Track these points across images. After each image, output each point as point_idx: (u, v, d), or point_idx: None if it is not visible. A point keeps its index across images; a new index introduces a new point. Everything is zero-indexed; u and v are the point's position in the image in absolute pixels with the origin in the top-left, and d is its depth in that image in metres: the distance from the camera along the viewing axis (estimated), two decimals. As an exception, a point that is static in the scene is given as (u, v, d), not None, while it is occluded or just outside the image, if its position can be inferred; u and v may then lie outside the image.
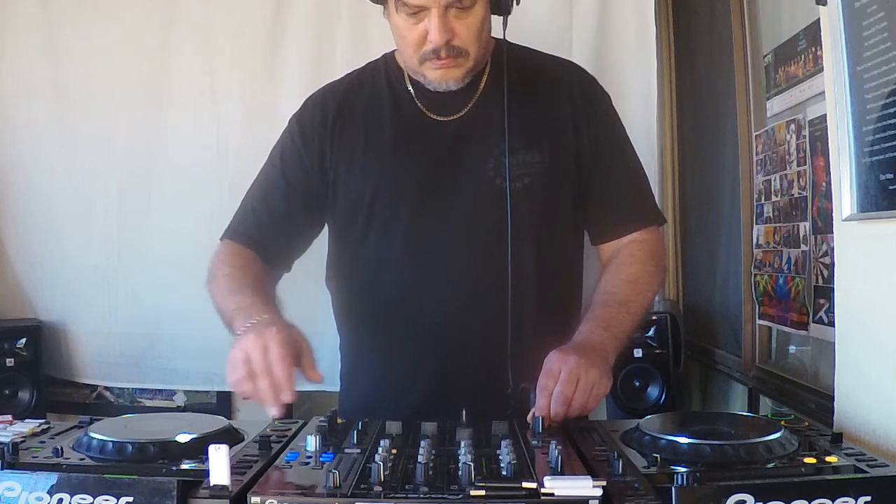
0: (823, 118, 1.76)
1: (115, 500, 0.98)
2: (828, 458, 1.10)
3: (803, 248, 1.96)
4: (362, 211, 1.59)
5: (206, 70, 2.55)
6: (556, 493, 0.95)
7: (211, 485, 0.98)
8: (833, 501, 0.96)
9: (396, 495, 0.97)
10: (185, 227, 2.56)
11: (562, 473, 1.03)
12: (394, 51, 1.67)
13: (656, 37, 2.46)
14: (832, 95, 1.44)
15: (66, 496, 0.99)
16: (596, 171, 1.62)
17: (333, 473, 0.98)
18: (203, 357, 2.58)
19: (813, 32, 1.82)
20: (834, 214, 1.48)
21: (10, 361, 2.50)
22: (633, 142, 1.70)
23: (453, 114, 1.59)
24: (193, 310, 2.53)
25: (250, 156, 2.33)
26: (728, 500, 0.95)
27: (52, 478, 1.01)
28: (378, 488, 0.98)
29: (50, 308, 2.65)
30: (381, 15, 1.54)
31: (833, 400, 1.49)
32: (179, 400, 2.75)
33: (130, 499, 0.98)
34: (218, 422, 1.31)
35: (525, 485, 0.96)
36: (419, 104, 1.60)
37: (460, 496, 0.96)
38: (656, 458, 1.12)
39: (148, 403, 2.77)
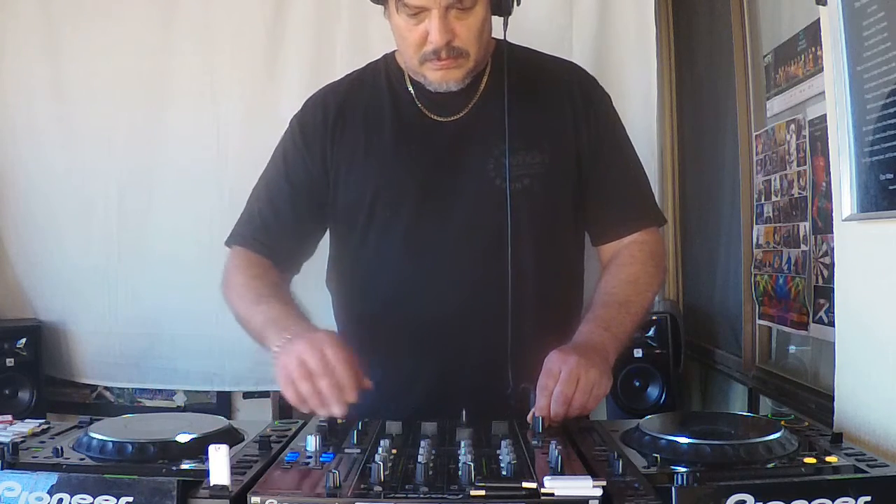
0: (823, 118, 1.76)
1: (115, 500, 0.98)
2: (828, 458, 1.10)
3: (803, 248, 1.96)
4: (362, 211, 1.59)
5: (206, 70, 2.56)
6: (556, 493, 0.95)
7: (211, 485, 0.98)
8: (833, 501, 0.96)
9: (396, 495, 0.97)
10: (185, 227, 2.56)
11: (562, 473, 1.03)
12: (394, 51, 1.67)
13: (656, 37, 2.46)
14: (832, 95, 1.44)
15: (66, 496, 0.99)
16: (596, 171, 1.62)
17: (333, 473, 0.98)
18: (203, 357, 2.58)
19: (813, 32, 1.82)
20: (834, 214, 1.48)
21: (10, 361, 2.50)
22: (633, 142, 1.70)
23: (453, 114, 1.59)
24: (193, 310, 2.55)
25: (250, 156, 2.35)
26: (728, 500, 0.95)
27: (52, 478, 1.01)
28: (378, 488, 0.98)
29: (50, 308, 2.65)
30: (382, 15, 1.54)
31: (833, 400, 1.49)
32: (179, 400, 2.75)
33: (130, 499, 0.98)
34: (218, 422, 1.31)
35: (525, 485, 0.96)
36: (419, 105, 1.60)
37: (460, 496, 0.96)
38: (656, 458, 1.12)
39: (148, 403, 2.77)
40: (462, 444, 1.14)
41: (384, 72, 1.66)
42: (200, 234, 2.52)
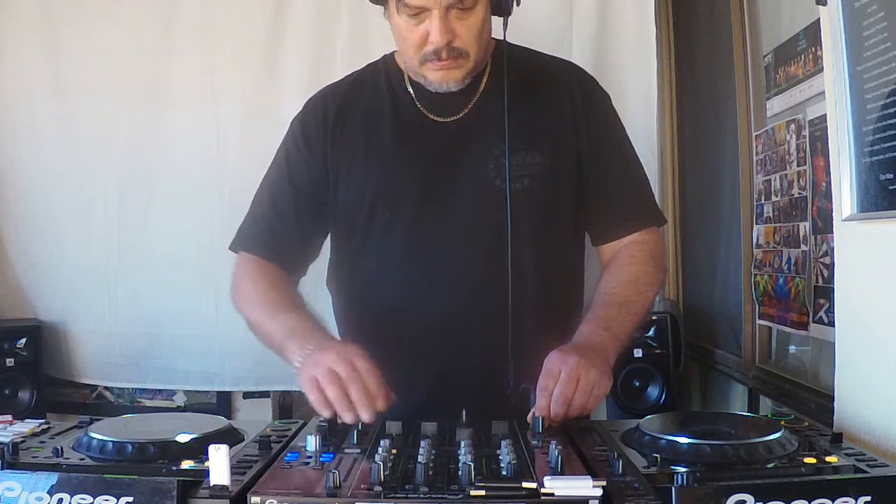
0: (823, 118, 1.76)
1: (115, 500, 0.98)
2: (828, 458, 1.10)
3: (803, 248, 1.96)
4: (363, 212, 1.59)
5: (206, 70, 2.56)
6: (556, 493, 0.95)
7: (211, 485, 0.98)
8: (833, 501, 0.96)
9: (396, 495, 0.97)
10: (185, 227, 2.56)
11: (562, 473, 1.03)
12: (393, 52, 1.67)
13: (656, 37, 2.46)
14: (832, 95, 1.44)
15: (66, 496, 0.99)
16: (596, 171, 1.62)
17: (333, 473, 0.98)
18: (203, 357, 2.58)
19: (813, 32, 1.82)
20: (834, 214, 1.48)
21: (10, 361, 2.50)
22: (633, 142, 1.70)
23: (453, 115, 1.59)
24: (193, 310, 2.56)
25: (250, 156, 2.36)
26: (728, 500, 0.95)
27: (52, 478, 1.01)
28: (378, 488, 0.98)
29: (50, 308, 2.65)
30: (382, 16, 1.54)
31: (833, 400, 1.49)
32: (179, 400, 2.75)
33: (130, 499, 0.98)
34: (218, 422, 1.31)
35: (525, 485, 0.96)
36: (419, 105, 1.60)
37: (460, 496, 0.96)
38: (656, 458, 1.12)
39: (148, 403, 2.77)
40: (462, 444, 1.14)
41: (384, 72, 1.66)
42: (200, 234, 2.53)
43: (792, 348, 2.17)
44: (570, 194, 1.62)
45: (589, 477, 0.96)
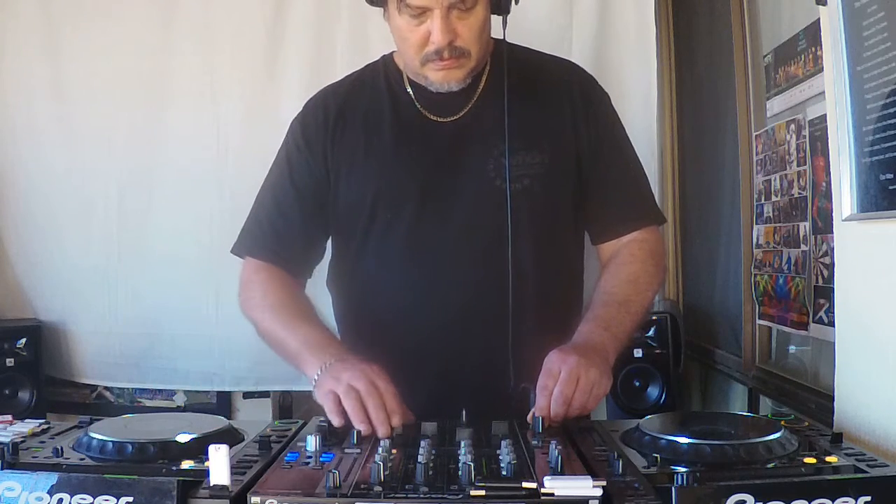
0: (823, 118, 1.76)
1: (115, 500, 0.98)
2: (828, 458, 1.10)
3: (803, 248, 1.96)
4: (363, 213, 1.59)
5: (206, 70, 2.55)
6: (556, 493, 0.95)
7: (211, 485, 0.98)
8: (833, 501, 0.96)
9: (396, 495, 0.97)
10: (186, 227, 2.56)
11: (562, 473, 1.03)
12: (392, 52, 1.67)
13: (656, 37, 2.46)
14: (832, 95, 1.44)
15: (66, 496, 0.99)
16: (595, 170, 1.62)
17: (333, 473, 0.98)
18: (203, 357, 2.58)
19: (813, 32, 1.82)
20: (834, 214, 1.48)
21: (10, 361, 2.50)
22: (633, 142, 1.70)
23: (453, 115, 1.59)
24: (193, 310, 2.56)
25: (250, 156, 2.36)
26: (728, 500, 0.95)
27: (52, 478, 1.01)
28: (378, 488, 0.98)
29: (50, 308, 2.65)
30: (381, 16, 1.54)
31: (833, 400, 1.49)
32: (179, 400, 2.75)
33: (130, 499, 0.98)
34: (218, 422, 1.31)
35: (525, 485, 0.96)
36: (418, 105, 1.60)
37: (460, 496, 0.96)
38: (656, 458, 1.12)
39: (148, 403, 2.77)
40: (462, 444, 1.14)
41: (383, 73, 1.66)
42: (200, 234, 2.53)
43: (792, 348, 2.17)
44: (569, 194, 1.62)
45: (589, 477, 0.96)
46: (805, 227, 1.94)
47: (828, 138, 1.52)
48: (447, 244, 1.58)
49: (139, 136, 2.57)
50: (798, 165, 1.97)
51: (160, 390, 2.75)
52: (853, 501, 0.96)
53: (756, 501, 0.95)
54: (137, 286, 2.60)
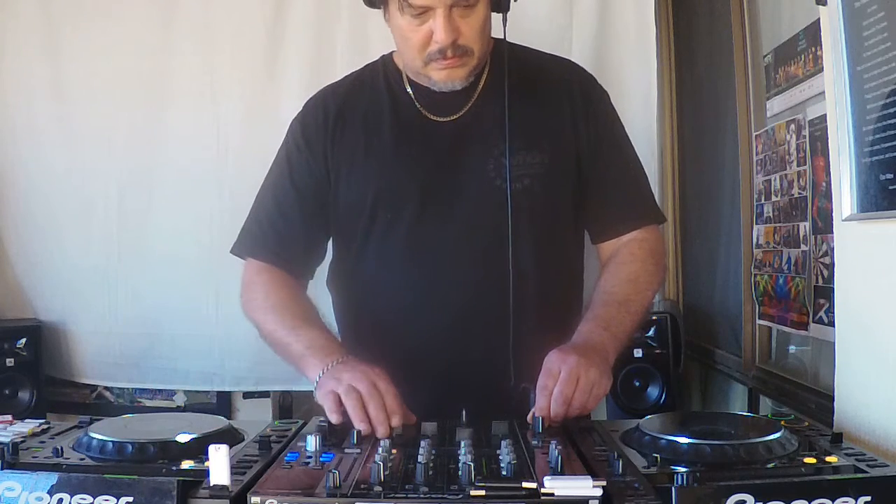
0: (823, 118, 1.76)
1: (115, 500, 0.98)
2: (828, 458, 1.10)
3: (803, 248, 1.96)
4: (364, 213, 1.59)
5: (206, 70, 2.55)
6: (556, 493, 0.95)
7: (211, 485, 0.98)
8: (833, 501, 0.96)
9: (396, 495, 0.97)
10: (186, 227, 2.56)
11: (562, 473, 1.03)
12: (392, 52, 1.67)
13: (656, 37, 2.46)
14: (832, 95, 1.44)
15: (66, 496, 0.99)
16: (595, 169, 1.62)
17: (333, 473, 0.98)
18: (203, 357, 2.58)
19: (813, 32, 1.82)
20: (834, 214, 1.48)
21: (10, 361, 2.50)
22: (633, 141, 1.70)
23: (452, 114, 1.59)
24: (193, 310, 2.56)
25: (250, 156, 2.36)
26: (728, 500, 0.95)
27: (52, 478, 1.01)
28: (378, 488, 0.98)
29: (50, 308, 2.65)
30: (381, 17, 1.54)
31: (833, 400, 1.49)
32: (179, 400, 2.75)
33: (130, 499, 0.98)
34: (218, 422, 1.31)
35: (525, 485, 0.96)
36: (418, 105, 1.60)
37: (460, 496, 0.96)
38: (656, 458, 1.12)
39: (148, 403, 2.77)
40: (462, 444, 1.14)
41: (382, 73, 1.66)
42: (200, 234, 2.53)
43: (792, 348, 2.17)
44: (569, 193, 1.62)
45: (589, 477, 0.96)
46: (805, 227, 1.94)
47: (828, 138, 1.52)
48: (447, 244, 1.58)
49: (139, 136, 2.57)
50: (798, 165, 1.97)
51: (160, 390, 2.75)
52: (853, 501, 0.96)
53: (756, 501, 0.95)
54: (137, 286, 2.60)
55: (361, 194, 1.59)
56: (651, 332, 2.50)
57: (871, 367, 1.37)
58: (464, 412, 1.29)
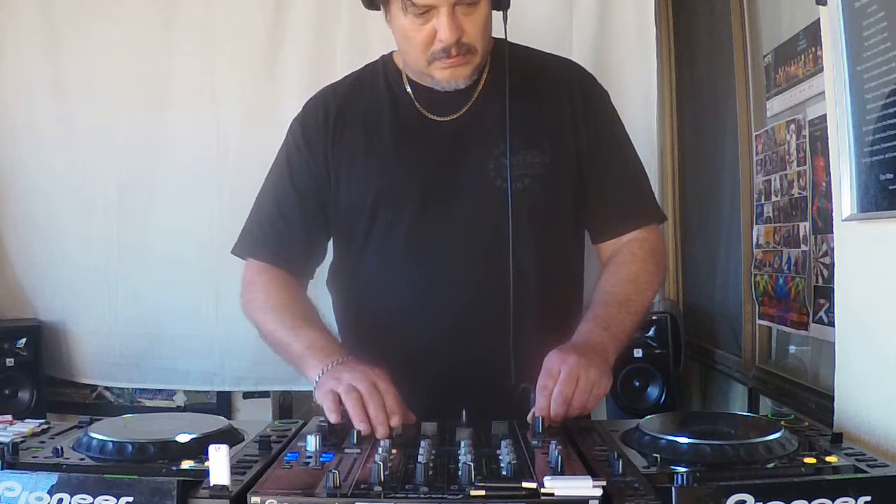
0: (823, 118, 1.76)
1: (115, 500, 0.98)
2: (828, 458, 1.10)
3: (803, 248, 1.96)
4: (364, 213, 1.59)
5: (206, 70, 2.55)
6: (556, 493, 0.95)
7: (211, 485, 0.98)
8: (833, 501, 0.96)
9: (396, 495, 0.97)
10: (186, 227, 2.56)
11: (562, 473, 1.03)
12: (392, 52, 1.67)
13: (656, 37, 2.46)
14: (832, 95, 1.44)
15: (66, 496, 0.99)
16: (595, 169, 1.62)
17: (333, 473, 0.98)
18: (203, 357, 2.58)
19: (813, 32, 1.82)
20: (834, 214, 1.48)
21: (10, 361, 2.50)
22: (633, 141, 1.70)
23: (452, 114, 1.59)
24: (193, 310, 2.56)
25: (250, 156, 2.36)
26: (728, 500, 0.95)
27: (52, 478, 1.01)
28: (378, 488, 0.98)
29: (50, 308, 2.65)
30: (381, 17, 1.54)
31: (833, 400, 1.49)
32: (179, 400, 2.75)
33: (130, 499, 0.98)
34: (218, 422, 1.31)
35: (525, 485, 0.96)
36: (418, 105, 1.60)
37: (460, 496, 0.96)
38: (656, 458, 1.12)
39: (148, 403, 2.77)
40: (462, 444, 1.14)
41: (382, 73, 1.66)
42: (200, 234, 2.53)
43: (792, 348, 2.17)
44: (570, 193, 1.62)
45: (589, 477, 0.96)
46: (805, 227, 1.94)
47: (828, 138, 1.52)
48: (447, 244, 1.58)
49: (139, 136, 2.57)
50: (798, 165, 1.97)
51: (160, 390, 2.75)
52: (853, 501, 0.96)
53: (756, 501, 0.95)
54: (137, 286, 2.60)
55: (361, 194, 1.59)
56: (651, 332, 2.50)
57: (871, 367, 1.37)
58: (464, 412, 1.29)
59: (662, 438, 1.17)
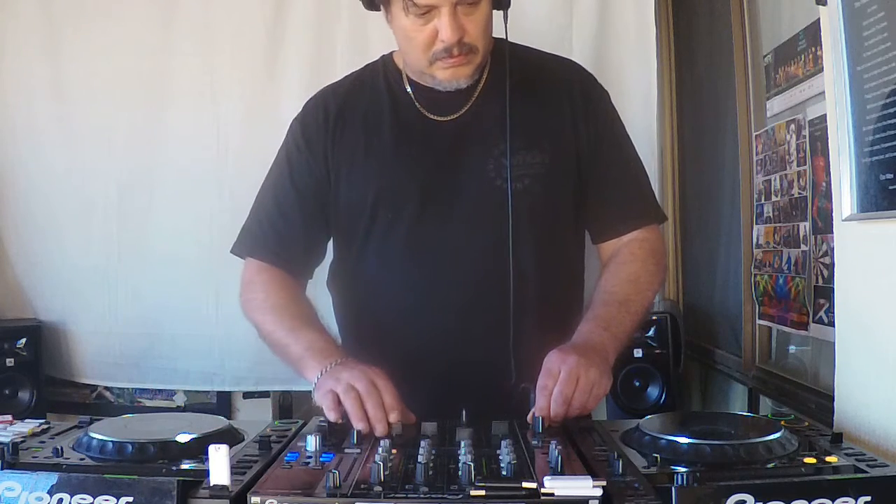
0: (823, 118, 1.76)
1: (115, 500, 0.98)
2: (828, 458, 1.10)
3: (803, 248, 1.96)
4: (364, 213, 1.59)
5: (206, 70, 2.55)
6: (556, 493, 0.95)
7: (211, 485, 0.98)
8: (833, 501, 0.96)
9: (396, 495, 0.97)
10: (185, 227, 2.56)
11: (562, 473, 1.03)
12: (392, 52, 1.67)
13: (656, 37, 2.46)
14: (832, 95, 1.44)
15: (66, 496, 0.99)
16: (595, 169, 1.62)
17: (333, 473, 0.98)
18: (203, 357, 2.58)
19: (813, 32, 1.82)
20: (834, 214, 1.48)
21: (10, 361, 2.50)
22: (633, 141, 1.70)
23: (452, 114, 1.59)
24: (193, 310, 2.56)
25: (250, 156, 2.36)
26: (728, 500, 0.95)
27: (52, 478, 1.01)
28: (378, 488, 0.98)
29: (50, 308, 2.65)
30: (381, 18, 1.54)
31: (833, 400, 1.49)
32: (179, 400, 2.75)
33: (130, 499, 0.98)
34: (218, 422, 1.31)
35: (525, 485, 0.96)
36: (418, 105, 1.60)
37: (460, 496, 0.96)
38: (656, 458, 1.12)
39: (148, 403, 2.77)
40: (462, 444, 1.14)
41: (382, 73, 1.66)
42: (200, 234, 2.53)
43: (792, 348, 2.17)
44: (570, 193, 1.62)
45: (589, 477, 0.96)
46: (805, 227, 1.94)
47: (828, 138, 1.52)
48: (447, 244, 1.58)
49: (139, 136, 2.57)
50: (798, 165, 1.97)
51: (160, 390, 2.75)
52: (853, 501, 0.96)
53: (756, 501, 0.95)
54: (137, 286, 2.60)
55: (362, 194, 1.59)
56: (651, 332, 2.50)
57: (871, 367, 1.37)
58: (464, 412, 1.29)
59: (662, 438, 1.17)
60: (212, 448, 0.99)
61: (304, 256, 1.66)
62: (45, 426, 1.33)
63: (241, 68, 2.54)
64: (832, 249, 1.74)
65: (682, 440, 1.15)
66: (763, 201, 2.21)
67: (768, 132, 2.16)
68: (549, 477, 0.96)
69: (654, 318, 2.49)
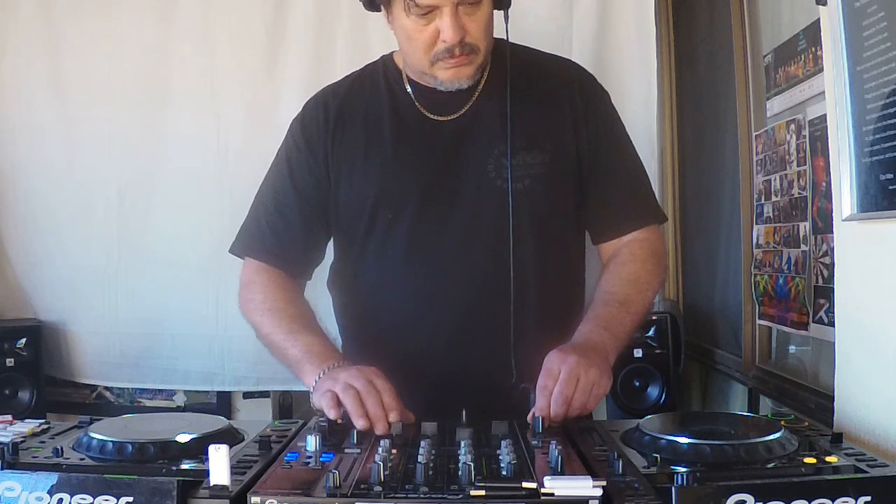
0: (823, 118, 1.76)
1: (115, 500, 0.98)
2: (828, 458, 1.10)
3: (803, 248, 1.96)
4: (364, 213, 1.59)
5: (206, 70, 2.55)
6: (556, 493, 0.95)
7: (211, 485, 0.98)
8: (833, 501, 0.96)
9: (396, 495, 0.97)
10: (185, 227, 2.56)
11: (562, 473, 1.03)
12: (392, 52, 1.67)
13: (656, 37, 2.46)
14: (832, 95, 1.44)
15: (66, 496, 0.99)
16: (596, 169, 1.62)
17: (333, 473, 0.98)
18: (203, 357, 2.58)
19: (813, 32, 1.82)
20: (834, 214, 1.48)
21: (10, 361, 2.50)
22: (633, 141, 1.70)
23: (452, 114, 1.59)
24: (193, 310, 2.56)
25: (250, 156, 2.36)
26: (728, 500, 0.95)
27: (52, 478, 1.01)
28: (378, 488, 0.98)
29: (50, 308, 2.65)
30: (381, 18, 1.54)
31: (833, 400, 1.49)
32: (179, 400, 2.75)
33: (130, 499, 0.98)
34: (218, 422, 1.31)
35: (525, 485, 0.96)
36: (418, 105, 1.60)
37: (460, 496, 0.96)
38: (656, 458, 1.12)
39: (148, 403, 2.77)
40: (462, 444, 1.14)
41: (382, 73, 1.66)
42: (200, 234, 2.53)
43: (792, 348, 2.17)
44: (570, 194, 1.62)
45: (589, 477, 0.96)
46: (805, 227, 1.94)
47: (828, 138, 1.52)
48: (448, 244, 1.58)
49: (139, 136, 2.57)
50: (798, 165, 1.97)
51: (160, 390, 2.75)
52: (853, 501, 0.96)
53: (756, 501, 0.95)
54: (137, 286, 2.60)
55: (362, 195, 1.59)
56: (651, 332, 2.50)
57: (871, 367, 1.37)
58: (464, 412, 1.29)
59: (662, 438, 1.17)
60: (212, 448, 0.99)
61: (302, 257, 1.66)
62: (45, 426, 1.33)
63: (241, 68, 2.54)
64: (832, 249, 1.74)
65: (682, 440, 1.15)
66: (763, 201, 2.21)
67: (768, 132, 2.16)
68: (549, 477, 0.96)
69: (654, 318, 2.49)
